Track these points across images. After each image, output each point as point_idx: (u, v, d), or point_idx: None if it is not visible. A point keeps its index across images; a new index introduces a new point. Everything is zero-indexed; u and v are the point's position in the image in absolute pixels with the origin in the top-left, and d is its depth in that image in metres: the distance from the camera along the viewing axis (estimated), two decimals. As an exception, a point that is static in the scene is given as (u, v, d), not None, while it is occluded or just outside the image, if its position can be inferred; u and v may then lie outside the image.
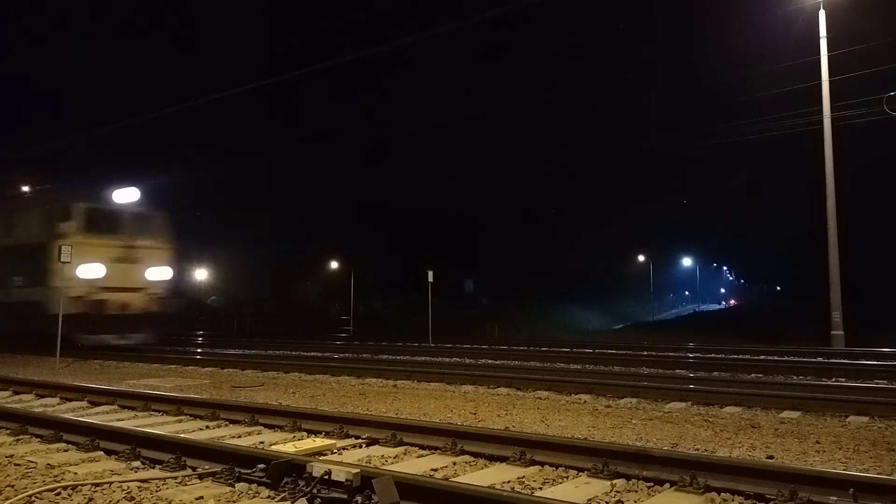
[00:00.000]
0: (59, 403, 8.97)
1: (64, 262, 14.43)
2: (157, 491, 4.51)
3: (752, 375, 11.48)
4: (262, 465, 4.59)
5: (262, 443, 6.13)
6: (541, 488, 4.63)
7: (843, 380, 10.63)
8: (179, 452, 5.12)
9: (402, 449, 5.87)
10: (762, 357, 14.66)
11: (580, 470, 4.97)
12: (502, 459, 5.34)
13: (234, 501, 4.30)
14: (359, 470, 4.13)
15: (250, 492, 4.45)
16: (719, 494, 4.36)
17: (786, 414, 7.47)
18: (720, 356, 14.93)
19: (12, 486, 4.60)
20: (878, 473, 4.92)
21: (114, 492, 4.45)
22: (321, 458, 5.06)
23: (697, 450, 5.70)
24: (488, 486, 4.41)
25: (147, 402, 8.30)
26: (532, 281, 56.36)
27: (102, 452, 5.69)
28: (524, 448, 5.31)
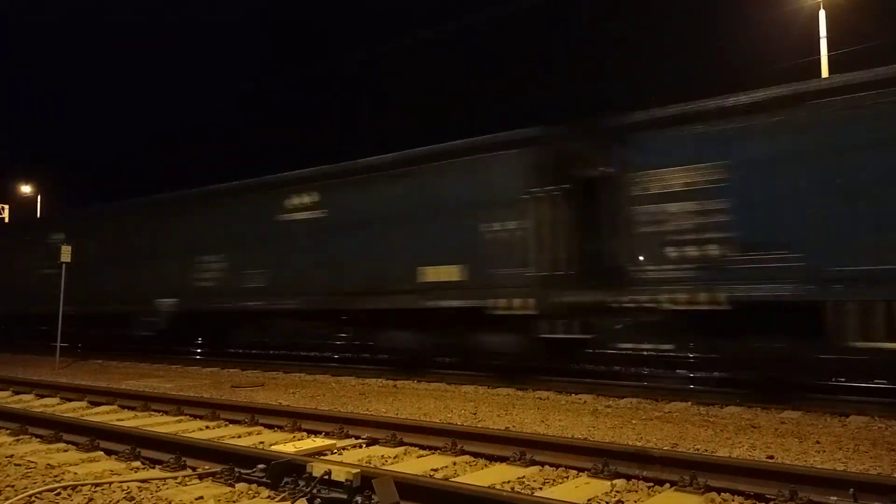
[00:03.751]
0: (59, 403, 8.97)
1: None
2: (157, 491, 4.51)
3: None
4: (262, 466, 4.59)
5: (262, 443, 6.13)
6: (541, 488, 4.63)
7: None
8: (179, 452, 5.13)
9: (402, 449, 5.86)
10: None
11: (580, 470, 4.97)
12: (502, 459, 5.33)
13: (234, 501, 4.30)
14: (359, 470, 4.13)
15: (250, 492, 4.45)
16: (719, 494, 4.35)
17: (786, 414, 7.47)
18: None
19: (12, 486, 4.60)
20: (878, 473, 4.92)
21: (114, 492, 4.45)
22: (321, 458, 5.06)
23: (697, 450, 5.70)
24: (488, 487, 4.40)
25: (147, 402, 8.30)
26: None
27: (102, 452, 5.69)
28: (524, 448, 5.31)
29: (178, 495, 4.39)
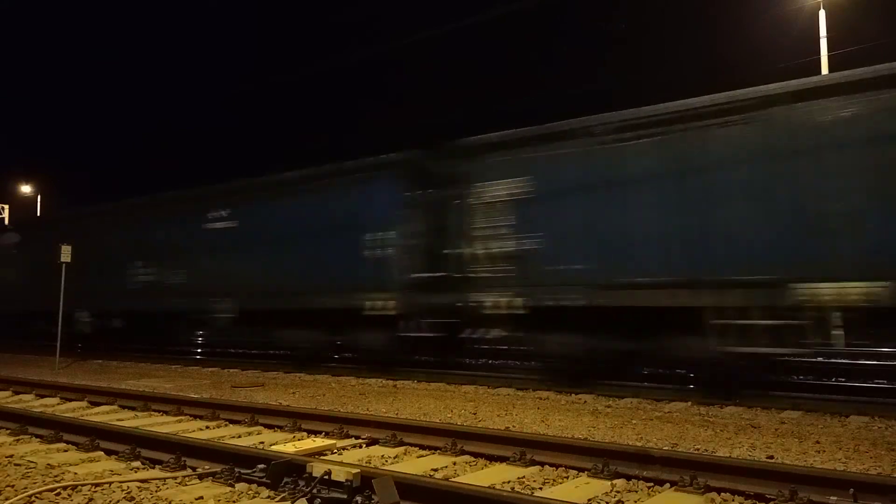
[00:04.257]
0: (59, 403, 8.97)
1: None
2: (157, 491, 4.51)
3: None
4: (262, 466, 4.59)
5: (262, 443, 6.13)
6: (541, 488, 4.63)
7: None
8: (179, 452, 5.12)
9: (402, 449, 5.86)
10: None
11: (580, 470, 4.97)
12: (502, 459, 5.33)
13: (234, 501, 4.30)
14: (359, 470, 4.13)
15: (250, 492, 4.45)
16: (719, 494, 4.35)
17: (786, 414, 7.47)
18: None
19: (12, 486, 4.59)
20: (878, 473, 4.92)
21: (114, 492, 4.45)
22: (321, 458, 5.06)
23: (697, 450, 5.70)
24: (488, 486, 4.40)
25: (147, 402, 8.29)
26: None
27: (102, 452, 5.69)
28: (524, 448, 5.31)
29: (178, 495, 4.39)
